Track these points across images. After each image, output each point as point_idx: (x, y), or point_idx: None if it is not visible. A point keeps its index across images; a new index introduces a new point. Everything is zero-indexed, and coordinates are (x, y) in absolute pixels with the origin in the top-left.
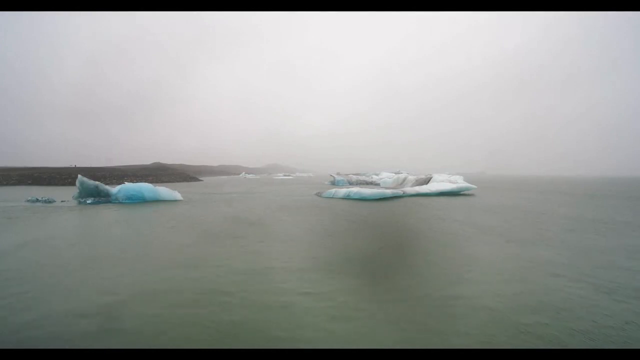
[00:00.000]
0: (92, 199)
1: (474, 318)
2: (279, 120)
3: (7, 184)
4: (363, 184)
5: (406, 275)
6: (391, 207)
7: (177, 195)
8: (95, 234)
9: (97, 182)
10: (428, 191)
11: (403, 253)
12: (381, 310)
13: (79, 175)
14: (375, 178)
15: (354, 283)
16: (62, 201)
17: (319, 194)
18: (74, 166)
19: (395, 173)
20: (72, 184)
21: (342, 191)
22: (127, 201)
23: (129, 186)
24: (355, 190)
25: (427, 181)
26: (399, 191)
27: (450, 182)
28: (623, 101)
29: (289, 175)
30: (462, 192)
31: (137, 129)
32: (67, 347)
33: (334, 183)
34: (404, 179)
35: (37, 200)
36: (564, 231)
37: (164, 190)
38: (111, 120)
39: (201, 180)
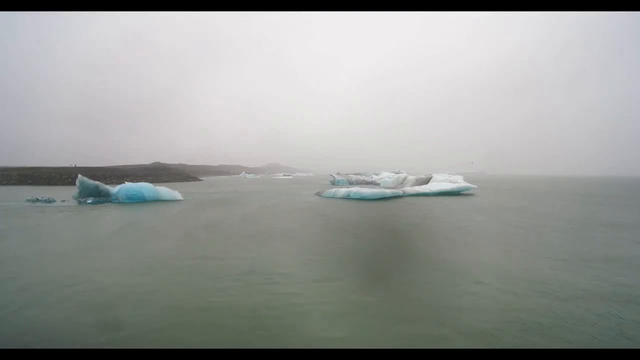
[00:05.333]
0: (92, 198)
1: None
2: (280, 120)
3: (7, 184)
4: (363, 183)
5: (397, 286)
6: (390, 207)
7: (177, 195)
8: (95, 232)
9: (97, 182)
10: (428, 191)
11: (398, 258)
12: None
13: (79, 175)
14: (375, 178)
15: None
16: (62, 201)
17: (319, 194)
18: (74, 166)
19: (395, 173)
20: (72, 183)
21: (342, 191)
22: (127, 201)
23: (129, 186)
24: (355, 190)
25: (427, 181)
26: (399, 191)
27: (450, 182)
28: (626, 101)
29: (288, 175)
30: (462, 192)
31: (137, 129)
32: (67, 347)
33: (334, 183)
34: (404, 179)
35: (37, 200)
36: (562, 232)
37: (164, 190)
38: (111, 121)
39: (201, 180)
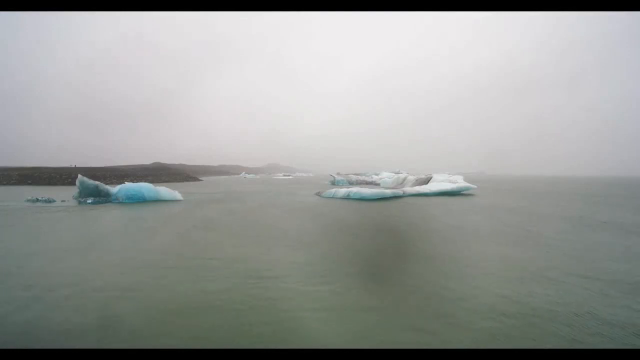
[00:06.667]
0: (93, 198)
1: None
2: (280, 120)
3: (7, 184)
4: (363, 183)
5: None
6: (390, 208)
7: (177, 195)
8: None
9: (97, 182)
10: (428, 191)
11: (397, 259)
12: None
13: (79, 175)
14: (375, 178)
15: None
16: (62, 201)
17: (319, 194)
18: (74, 166)
19: (395, 173)
20: (72, 183)
21: (342, 191)
22: (127, 201)
23: (129, 186)
24: (355, 190)
25: (427, 181)
26: (399, 191)
27: (450, 182)
28: (626, 101)
29: (288, 175)
30: (462, 192)
31: (137, 129)
32: (67, 347)
33: (334, 183)
34: (404, 179)
35: (37, 200)
36: (558, 233)
37: (164, 190)
38: (111, 121)
39: (201, 180)
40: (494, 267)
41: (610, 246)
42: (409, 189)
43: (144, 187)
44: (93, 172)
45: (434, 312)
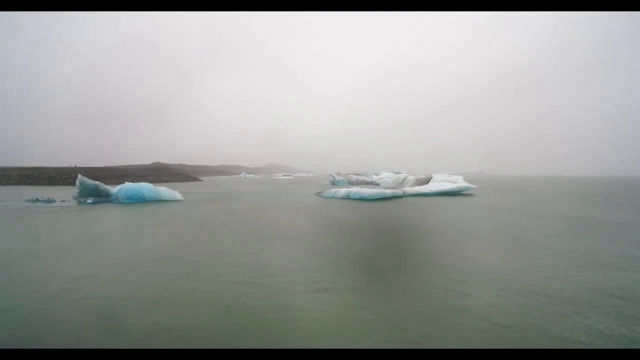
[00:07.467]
0: (92, 198)
1: None
2: (280, 120)
3: (7, 184)
4: (363, 183)
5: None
6: (390, 208)
7: (177, 195)
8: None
9: (97, 182)
10: (428, 191)
11: (396, 260)
12: None
13: (79, 175)
14: (375, 178)
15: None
16: (62, 201)
17: (319, 194)
18: (74, 166)
19: (395, 173)
20: (72, 184)
21: (342, 191)
22: (127, 201)
23: (129, 186)
24: (355, 190)
25: (427, 181)
26: (399, 191)
27: (450, 182)
28: (626, 101)
29: (288, 175)
30: (462, 192)
31: (137, 129)
32: (67, 347)
33: (334, 183)
34: (404, 179)
35: (37, 200)
36: (562, 234)
37: (164, 190)
38: (111, 121)
39: (201, 180)
40: (493, 270)
41: (609, 248)
42: (409, 189)
43: (144, 187)
44: (93, 172)
45: (430, 318)
